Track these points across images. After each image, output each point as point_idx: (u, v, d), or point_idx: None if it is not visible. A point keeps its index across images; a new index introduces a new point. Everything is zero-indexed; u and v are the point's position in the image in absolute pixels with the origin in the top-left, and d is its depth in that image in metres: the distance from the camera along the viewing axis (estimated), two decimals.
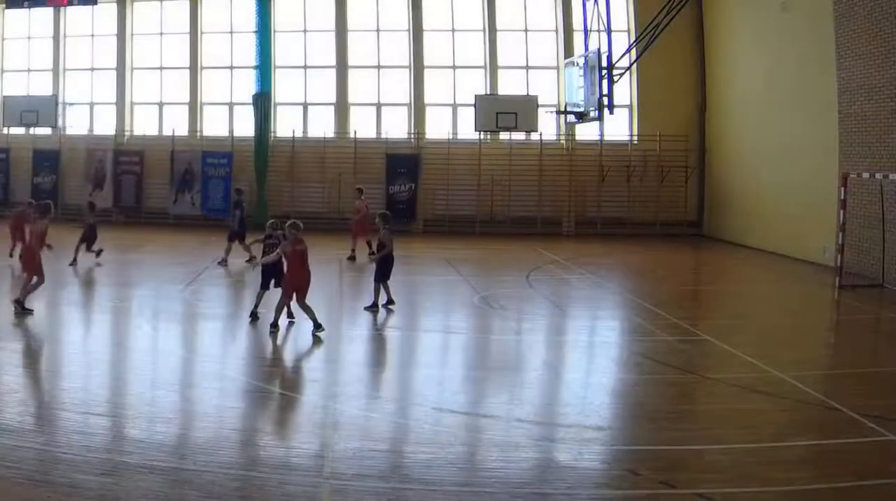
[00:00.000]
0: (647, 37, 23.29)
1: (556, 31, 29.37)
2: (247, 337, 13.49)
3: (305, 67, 29.98)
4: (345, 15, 29.65)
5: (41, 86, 30.57)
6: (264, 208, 28.66)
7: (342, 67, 29.67)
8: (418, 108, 29.40)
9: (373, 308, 14.46)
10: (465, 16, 29.48)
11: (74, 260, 19.06)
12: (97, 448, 7.81)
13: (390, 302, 14.72)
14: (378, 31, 29.70)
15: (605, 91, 22.46)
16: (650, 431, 8.90)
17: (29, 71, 30.86)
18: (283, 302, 12.73)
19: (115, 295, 16.49)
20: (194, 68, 30.16)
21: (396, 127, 29.54)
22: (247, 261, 19.37)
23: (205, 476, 7.25)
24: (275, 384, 10.51)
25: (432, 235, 27.01)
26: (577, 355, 12.86)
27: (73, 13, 30.33)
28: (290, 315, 13.26)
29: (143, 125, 30.35)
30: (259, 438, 8.52)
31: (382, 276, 14.61)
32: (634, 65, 25.73)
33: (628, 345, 13.03)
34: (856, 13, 19.39)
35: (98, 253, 19.76)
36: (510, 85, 29.41)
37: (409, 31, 29.48)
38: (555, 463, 7.97)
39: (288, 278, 12.73)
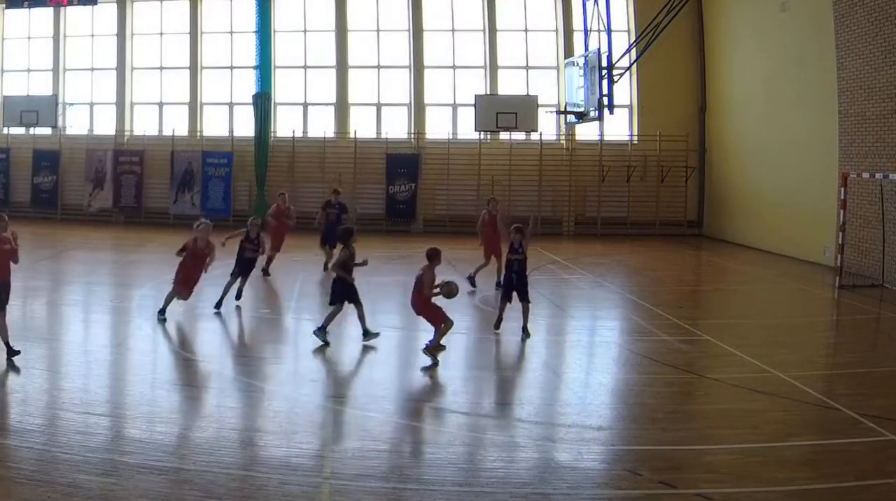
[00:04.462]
0: (647, 37, 23.34)
1: (556, 31, 29.38)
2: (247, 337, 13.50)
3: (305, 67, 29.98)
4: (345, 15, 29.65)
5: (41, 86, 30.55)
6: (264, 208, 28.68)
7: (342, 67, 29.67)
8: (418, 108, 29.40)
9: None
10: (465, 16, 29.48)
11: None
12: (97, 448, 7.82)
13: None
14: (378, 31, 29.71)
15: (605, 91, 22.52)
16: (650, 431, 8.90)
17: (29, 71, 30.86)
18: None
19: (115, 295, 16.49)
20: (194, 68, 30.16)
21: (396, 127, 29.54)
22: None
23: (205, 476, 7.26)
24: (274, 384, 10.50)
25: (432, 235, 26.93)
26: (577, 355, 12.86)
27: (73, 13, 30.32)
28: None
29: (143, 125, 30.34)
30: (259, 438, 8.52)
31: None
32: (634, 65, 25.77)
33: (628, 345, 13.03)
34: (856, 13, 19.40)
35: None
36: (510, 85, 29.42)
37: (409, 31, 29.48)
38: (555, 463, 7.97)
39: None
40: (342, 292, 12.37)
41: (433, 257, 11.70)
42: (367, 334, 12.41)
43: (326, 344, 12.07)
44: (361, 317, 12.43)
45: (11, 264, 10.77)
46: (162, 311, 13.41)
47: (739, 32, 26.46)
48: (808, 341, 13.66)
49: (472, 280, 16.95)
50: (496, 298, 14.49)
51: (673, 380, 10.96)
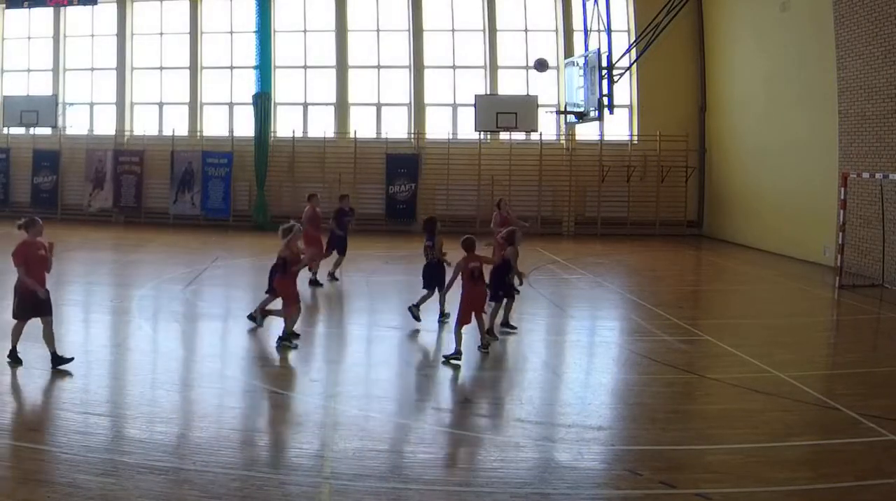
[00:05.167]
0: (647, 37, 23.34)
1: (556, 31, 29.38)
2: (247, 337, 13.49)
3: (305, 67, 29.98)
4: (345, 15, 29.66)
5: (41, 86, 30.57)
6: (264, 208, 28.72)
7: (342, 67, 29.68)
8: (418, 108, 29.41)
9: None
10: (465, 16, 29.48)
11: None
12: (97, 448, 7.82)
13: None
14: (378, 31, 29.72)
15: (605, 91, 22.52)
16: (650, 431, 8.90)
17: (29, 71, 30.87)
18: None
19: (115, 295, 16.48)
20: (194, 68, 30.17)
21: (396, 127, 29.54)
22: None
23: (205, 476, 7.26)
24: (275, 384, 10.50)
25: None
26: (577, 355, 12.86)
27: (73, 13, 30.34)
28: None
29: (143, 125, 30.36)
30: (259, 438, 8.52)
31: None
32: (634, 65, 25.78)
33: (628, 345, 13.03)
34: (856, 13, 19.40)
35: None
36: (510, 85, 29.42)
37: (409, 31, 29.48)
38: (555, 463, 7.97)
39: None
40: (436, 277, 13.62)
41: (472, 246, 12.02)
42: (443, 315, 13.52)
43: (418, 319, 13.30)
44: (442, 301, 13.62)
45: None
46: (290, 337, 12.14)
47: (739, 32, 26.46)
48: (808, 341, 13.66)
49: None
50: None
51: (673, 380, 10.96)
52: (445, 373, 11.14)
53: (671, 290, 18.87)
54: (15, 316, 10.46)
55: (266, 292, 13.20)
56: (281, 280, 12.24)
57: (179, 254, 22.45)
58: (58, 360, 10.40)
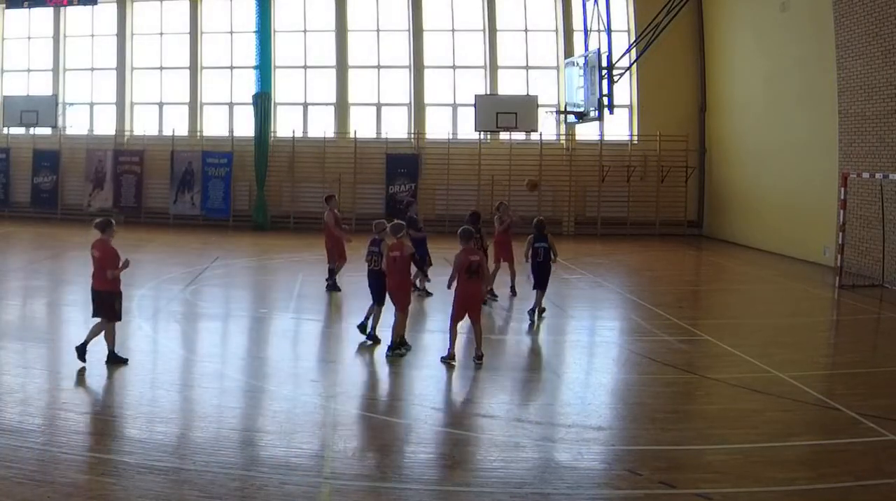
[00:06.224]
0: (647, 37, 23.35)
1: (556, 31, 29.38)
2: (247, 337, 13.50)
3: (305, 67, 29.99)
4: (345, 15, 29.66)
5: (41, 86, 30.58)
6: (264, 208, 28.72)
7: (342, 67, 29.68)
8: (418, 108, 29.41)
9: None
10: (465, 16, 29.49)
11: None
12: (97, 448, 7.82)
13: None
14: (378, 31, 29.72)
15: (605, 91, 22.53)
16: (650, 431, 8.90)
17: (29, 71, 30.88)
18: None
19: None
20: (194, 68, 30.17)
21: (396, 127, 29.55)
22: None
23: (205, 476, 7.26)
24: (274, 384, 10.50)
25: (432, 235, 26.88)
26: (577, 355, 12.86)
27: (73, 13, 30.35)
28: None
29: (143, 125, 30.36)
30: (259, 438, 8.52)
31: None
32: (634, 65, 25.78)
33: (628, 345, 13.03)
34: (856, 13, 19.40)
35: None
36: (510, 85, 29.43)
37: (409, 31, 29.49)
38: (555, 463, 7.97)
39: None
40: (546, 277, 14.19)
41: (469, 237, 11.57)
42: (538, 313, 14.11)
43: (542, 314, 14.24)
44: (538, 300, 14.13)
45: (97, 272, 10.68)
46: (400, 344, 11.69)
47: (739, 32, 26.46)
48: (808, 341, 13.66)
49: (492, 293, 15.94)
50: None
51: (673, 380, 10.96)
52: (445, 373, 11.13)
53: (671, 290, 18.86)
54: (114, 319, 10.71)
55: (376, 303, 12.39)
56: (402, 282, 11.66)
57: (179, 254, 22.45)
58: (114, 358, 10.66)
